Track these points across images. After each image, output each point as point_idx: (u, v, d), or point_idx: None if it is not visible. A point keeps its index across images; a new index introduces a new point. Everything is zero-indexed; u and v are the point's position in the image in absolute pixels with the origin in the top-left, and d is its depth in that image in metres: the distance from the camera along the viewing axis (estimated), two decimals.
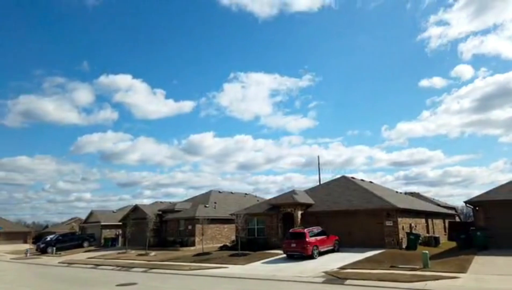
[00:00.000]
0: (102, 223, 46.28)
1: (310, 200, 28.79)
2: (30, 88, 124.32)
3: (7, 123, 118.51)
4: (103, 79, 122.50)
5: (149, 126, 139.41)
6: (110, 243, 41.91)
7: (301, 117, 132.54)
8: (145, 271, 20.26)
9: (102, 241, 43.90)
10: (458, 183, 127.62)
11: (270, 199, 32.26)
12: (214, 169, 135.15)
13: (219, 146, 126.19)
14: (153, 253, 29.12)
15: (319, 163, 48.37)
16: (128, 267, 22.13)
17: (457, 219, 43.60)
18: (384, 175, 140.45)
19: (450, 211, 41.50)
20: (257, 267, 18.86)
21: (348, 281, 13.79)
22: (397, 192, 38.57)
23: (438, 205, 42.65)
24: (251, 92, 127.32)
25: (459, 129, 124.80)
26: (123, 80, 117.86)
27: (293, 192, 29.76)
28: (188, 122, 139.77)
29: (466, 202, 22.52)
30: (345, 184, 30.82)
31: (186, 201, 42.32)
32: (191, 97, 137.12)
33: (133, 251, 31.60)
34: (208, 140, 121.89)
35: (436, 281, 12.80)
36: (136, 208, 41.03)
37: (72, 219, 74.32)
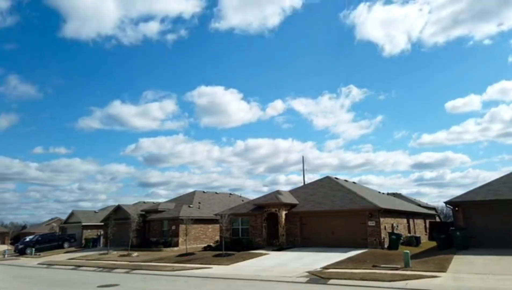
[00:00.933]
0: (83, 224, 45.44)
1: (294, 200, 28.94)
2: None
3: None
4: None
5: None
6: (92, 244, 41.19)
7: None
8: (127, 272, 19.98)
9: (83, 241, 43.11)
10: None
11: (254, 199, 32.31)
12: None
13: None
14: (135, 253, 28.75)
15: (303, 164, 48.67)
16: (110, 268, 21.78)
17: (438, 219, 44.53)
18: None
19: (430, 211, 42.37)
20: (241, 267, 18.84)
21: (331, 281, 13.90)
22: (379, 192, 39.16)
23: (419, 205, 43.48)
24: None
25: None
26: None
27: (277, 192, 29.86)
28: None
29: (446, 203, 23.02)
30: (329, 184, 31.10)
31: (169, 201, 41.96)
32: None
33: (115, 252, 31.13)
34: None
35: (417, 280, 13.03)
36: (118, 208, 40.42)
37: (52, 219, 72.83)
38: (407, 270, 15.11)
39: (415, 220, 31.86)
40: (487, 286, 11.79)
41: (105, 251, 32.21)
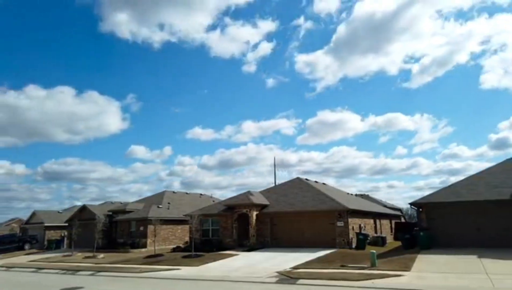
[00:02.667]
0: (46, 224, 43.60)
1: (265, 201, 29.05)
2: None
3: None
4: None
5: None
6: (55, 245, 39.59)
7: None
8: (92, 274, 19.33)
9: (46, 243, 41.37)
10: None
11: (225, 200, 32.17)
12: None
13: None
14: (101, 255, 27.90)
15: (274, 165, 48.97)
16: (74, 270, 21.01)
17: (403, 220, 46.00)
18: None
19: (396, 212, 43.73)
20: (211, 268, 18.68)
21: (300, 281, 14.04)
22: (348, 193, 40.00)
23: (385, 206, 44.76)
24: None
25: None
26: None
27: (248, 193, 29.87)
28: None
29: (411, 204, 23.79)
30: (299, 185, 31.44)
31: (138, 201, 41.06)
32: None
33: (79, 254, 30.10)
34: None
35: (383, 279, 13.38)
36: (84, 208, 39.12)
37: (11, 219, 69.52)
38: (373, 269, 15.48)
39: (381, 221, 32.78)
40: (449, 284, 12.28)
41: (69, 253, 31.08)
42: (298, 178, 33.84)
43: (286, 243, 25.88)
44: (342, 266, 16.74)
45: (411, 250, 20.27)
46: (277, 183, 41.27)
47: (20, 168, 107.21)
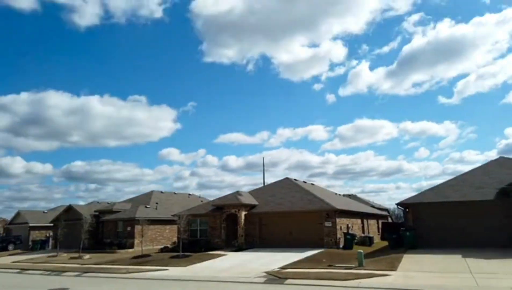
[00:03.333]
0: (31, 225, 42.86)
1: (254, 201, 29.06)
2: None
3: None
4: None
5: None
6: (40, 246, 38.90)
7: None
8: (78, 275, 19.07)
9: (30, 243, 40.65)
10: None
11: (214, 200, 32.09)
12: None
13: None
14: (87, 256, 27.53)
15: (263, 165, 49.05)
16: (59, 271, 20.68)
17: (390, 220, 46.53)
18: None
19: (383, 213, 44.21)
20: (199, 269, 18.60)
21: (288, 281, 14.08)
22: (336, 194, 40.28)
23: (373, 206, 45.21)
24: None
25: None
26: None
27: (237, 193, 29.85)
28: None
29: (397, 204, 24.08)
30: (288, 185, 31.54)
31: (125, 201, 40.65)
32: None
33: (65, 254, 29.65)
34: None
35: (369, 279, 13.51)
36: (69, 209, 38.56)
37: None
38: (360, 269, 15.62)
39: (369, 221, 33.11)
40: (434, 283, 12.47)
41: (55, 254, 30.58)
42: (287, 178, 33.94)
43: (274, 243, 25.93)
44: (330, 266, 16.86)
45: (398, 250, 20.51)
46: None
47: (47, 168, 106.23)
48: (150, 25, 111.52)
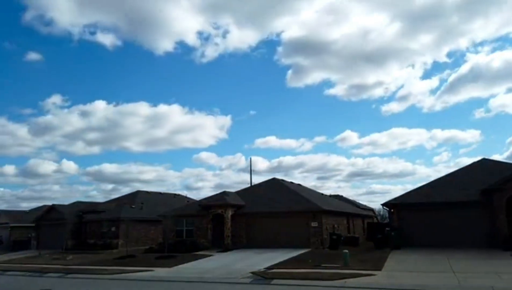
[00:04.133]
0: (12, 225, 41.81)
1: (241, 202, 28.99)
2: None
3: None
4: None
5: None
6: (21, 247, 38.02)
7: None
8: (60, 277, 18.68)
9: (11, 244, 39.67)
10: None
11: (200, 200, 31.92)
12: None
13: None
14: (70, 256, 27.04)
15: (250, 165, 48.99)
16: (41, 272, 20.21)
17: (375, 220, 47.04)
18: None
19: (368, 213, 44.69)
20: (185, 269, 18.45)
21: (274, 281, 14.09)
22: (322, 194, 40.49)
23: (358, 207, 45.62)
24: None
25: None
26: None
27: (224, 193, 29.74)
28: None
29: (383, 204, 24.40)
30: (275, 186, 31.57)
31: (110, 201, 40.09)
32: None
33: (47, 255, 29.04)
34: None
35: (355, 279, 13.62)
36: (52, 208, 37.78)
37: None
38: (346, 269, 15.73)
39: (354, 221, 33.40)
40: (418, 282, 12.64)
41: (36, 254, 29.95)
42: (274, 178, 33.98)
43: (261, 244, 25.90)
44: (316, 266, 16.93)
45: (383, 250, 20.77)
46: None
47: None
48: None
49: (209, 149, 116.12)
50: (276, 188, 30.79)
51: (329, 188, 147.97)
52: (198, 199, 36.15)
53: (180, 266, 19.57)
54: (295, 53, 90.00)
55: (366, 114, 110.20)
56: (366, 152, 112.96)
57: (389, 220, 24.48)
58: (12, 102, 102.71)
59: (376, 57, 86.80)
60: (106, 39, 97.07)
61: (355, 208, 40.74)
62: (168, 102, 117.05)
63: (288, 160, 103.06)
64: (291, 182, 35.54)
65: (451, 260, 16.37)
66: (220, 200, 28.02)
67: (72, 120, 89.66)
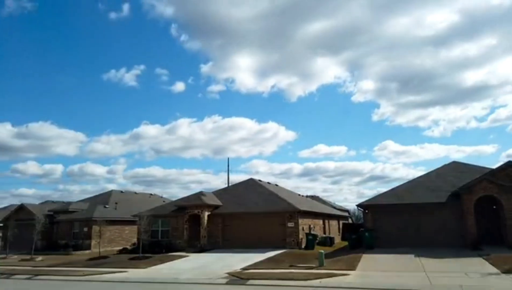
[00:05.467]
0: None
1: (218, 202, 28.82)
2: None
3: None
4: None
5: None
6: None
7: None
8: (29, 278, 18.00)
9: None
10: None
11: (177, 200, 31.53)
12: None
13: None
14: (40, 257, 26.14)
15: (228, 165, 48.83)
16: (8, 274, 19.38)
17: (350, 221, 47.84)
18: None
19: (344, 213, 45.40)
20: (159, 270, 18.18)
21: (250, 281, 14.08)
22: (299, 195, 40.82)
23: (334, 207, 46.29)
24: None
25: None
26: None
27: (201, 193, 29.47)
28: None
29: (357, 205, 24.82)
30: (252, 186, 31.56)
31: (82, 201, 39.04)
32: None
33: (15, 256, 27.93)
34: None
35: (329, 278, 13.80)
36: (21, 208, 36.41)
37: None
38: (321, 269, 15.92)
39: (330, 222, 33.82)
40: (390, 282, 12.93)
41: (4, 255, 28.76)
42: (251, 179, 33.96)
43: (237, 244, 25.83)
44: (291, 266, 17.03)
45: (357, 250, 21.11)
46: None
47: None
48: None
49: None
50: (253, 189, 30.79)
51: None
52: (174, 199, 35.71)
53: (155, 267, 19.27)
54: None
55: None
56: None
57: (364, 221, 24.91)
58: None
59: None
60: None
61: (331, 209, 41.28)
62: None
63: None
64: (268, 183, 35.62)
65: (423, 260, 16.83)
66: (197, 201, 27.76)
67: None
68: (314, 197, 49.97)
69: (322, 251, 17.77)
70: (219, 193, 31.63)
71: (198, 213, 27.09)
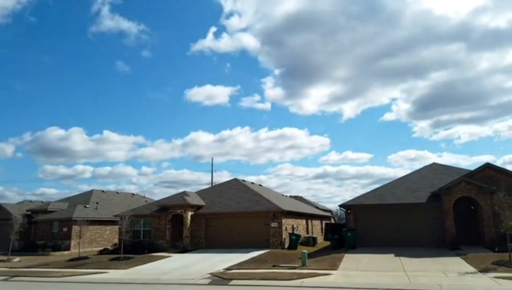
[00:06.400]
0: None
1: (201, 202, 28.65)
2: None
3: None
4: None
5: None
6: None
7: None
8: (5, 280, 17.48)
9: None
10: None
11: (159, 200, 31.20)
12: None
13: None
14: (17, 258, 25.46)
15: (212, 165, 48.63)
16: None
17: (333, 221, 48.29)
18: None
19: (327, 214, 45.79)
20: (141, 271, 17.94)
21: (233, 281, 14.04)
22: (283, 195, 41.00)
23: (317, 207, 46.62)
24: None
25: None
26: None
27: (184, 193, 29.24)
28: None
29: (340, 205, 25.07)
30: (236, 186, 31.50)
31: (62, 200, 38.19)
32: None
33: None
34: None
35: (312, 278, 13.89)
36: None
37: None
38: (304, 269, 16.01)
39: (313, 222, 34.08)
40: (370, 281, 13.12)
41: None
42: (235, 179, 33.89)
43: (220, 244, 25.75)
44: (274, 266, 17.08)
45: (339, 250, 21.32)
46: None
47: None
48: None
49: None
50: (237, 189, 30.74)
51: None
52: (156, 199, 35.33)
53: (136, 267, 19.01)
54: None
55: None
56: None
57: (346, 221, 25.19)
58: None
59: None
60: None
61: (314, 209, 41.57)
62: None
63: None
64: (252, 183, 35.64)
65: (403, 259, 17.14)
66: (180, 200, 27.53)
67: None
68: (298, 198, 50.26)
69: (305, 251, 17.88)
70: (202, 193, 31.45)
71: (181, 213, 26.87)
